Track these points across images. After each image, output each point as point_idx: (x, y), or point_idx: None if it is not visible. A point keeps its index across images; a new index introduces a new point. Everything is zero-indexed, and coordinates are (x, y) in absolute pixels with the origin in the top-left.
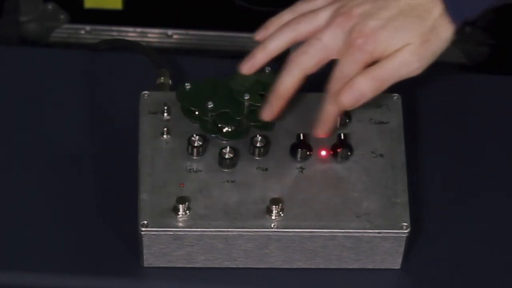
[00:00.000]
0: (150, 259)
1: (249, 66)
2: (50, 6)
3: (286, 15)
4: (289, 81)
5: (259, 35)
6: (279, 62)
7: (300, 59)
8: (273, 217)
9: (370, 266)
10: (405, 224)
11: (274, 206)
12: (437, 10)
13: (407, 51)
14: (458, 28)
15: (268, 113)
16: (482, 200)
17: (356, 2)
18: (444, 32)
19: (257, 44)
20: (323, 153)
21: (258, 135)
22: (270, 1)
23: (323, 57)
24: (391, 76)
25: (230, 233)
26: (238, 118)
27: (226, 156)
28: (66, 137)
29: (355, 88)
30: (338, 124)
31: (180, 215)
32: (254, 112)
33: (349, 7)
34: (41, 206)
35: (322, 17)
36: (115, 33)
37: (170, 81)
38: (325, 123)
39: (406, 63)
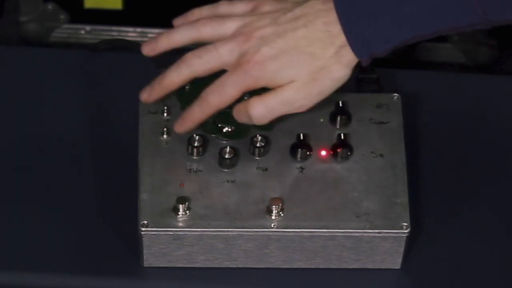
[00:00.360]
0: (150, 259)
1: (150, 49)
2: (50, 6)
3: (205, 11)
4: (175, 76)
5: (177, 20)
6: None
7: (192, 61)
8: (273, 217)
9: (370, 266)
10: (405, 224)
11: (274, 206)
12: (333, 48)
13: (292, 88)
14: (366, 64)
15: (146, 94)
16: (482, 200)
17: (261, 24)
18: (336, 72)
19: None
20: (323, 153)
21: (258, 135)
22: None
23: (215, 66)
24: (279, 108)
25: (230, 233)
26: None
27: (226, 156)
28: (66, 137)
29: (248, 108)
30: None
31: (180, 215)
32: None
33: (252, 28)
34: (41, 206)
35: (229, 27)
36: (115, 33)
37: None
38: (186, 121)
39: (290, 100)
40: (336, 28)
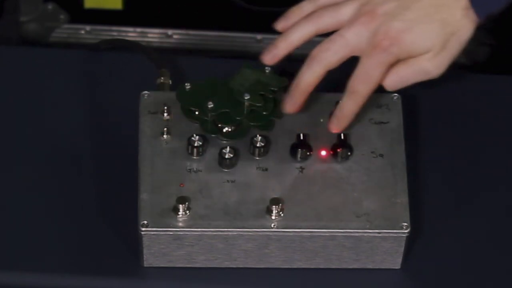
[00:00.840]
0: (150, 259)
1: (271, 57)
2: (50, 6)
3: (306, 6)
4: (310, 76)
5: (279, 24)
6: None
7: (322, 56)
8: (273, 217)
9: (370, 266)
10: (405, 224)
11: (274, 206)
12: (460, 10)
13: (427, 59)
14: (482, 23)
15: (290, 105)
16: (482, 200)
17: (380, 0)
18: (464, 34)
19: (260, 42)
20: (323, 153)
21: (258, 135)
22: (270, 1)
23: (346, 54)
24: (411, 78)
25: (230, 233)
26: (238, 118)
27: (226, 156)
28: (66, 137)
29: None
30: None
31: (180, 215)
32: (254, 112)
33: (373, 5)
34: (42, 206)
35: (346, 12)
36: (115, 33)
37: (170, 81)
38: (342, 119)
39: (425, 71)
40: None
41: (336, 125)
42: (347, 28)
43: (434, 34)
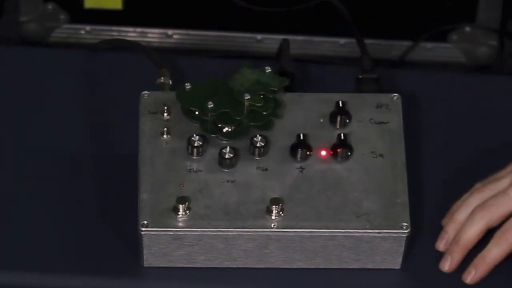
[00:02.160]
0: (150, 259)
1: (448, 266)
2: (50, 6)
3: (472, 199)
4: (472, 232)
5: (448, 225)
6: (279, 62)
7: (485, 212)
8: (273, 217)
9: (370, 266)
10: (405, 224)
11: (274, 206)
12: None
13: None
14: None
15: (447, 264)
16: None
17: None
18: None
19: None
20: (323, 153)
21: (258, 135)
22: (270, 1)
23: (509, 210)
24: None
25: (230, 233)
26: (238, 118)
27: (226, 156)
28: (66, 137)
29: None
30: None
31: (180, 215)
32: (254, 112)
33: None
34: (41, 206)
35: (505, 183)
36: (115, 33)
37: (170, 81)
38: (482, 267)
39: None
40: None
41: (473, 275)
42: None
43: None
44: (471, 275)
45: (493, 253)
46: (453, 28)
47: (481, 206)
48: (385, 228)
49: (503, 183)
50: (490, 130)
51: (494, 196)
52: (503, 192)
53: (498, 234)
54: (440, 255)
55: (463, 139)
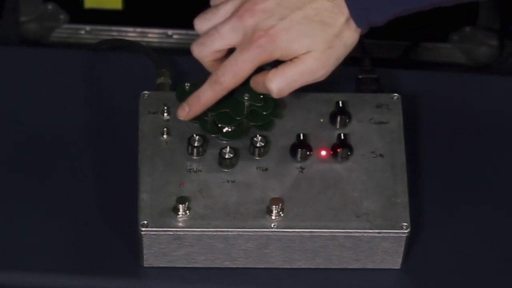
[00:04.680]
0: (150, 259)
1: (184, 115)
2: (50, 6)
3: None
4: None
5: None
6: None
7: (196, 49)
8: (273, 217)
9: (370, 266)
10: (405, 224)
11: (274, 206)
12: (342, 17)
13: (310, 57)
14: (364, 33)
15: (183, 113)
16: (482, 200)
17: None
18: (348, 38)
19: None
20: (323, 153)
21: (258, 135)
22: None
23: (220, 48)
24: (298, 79)
25: (230, 233)
26: (238, 118)
27: (226, 156)
28: (66, 137)
29: (267, 82)
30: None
31: (180, 215)
32: (254, 112)
33: (252, 3)
34: (41, 206)
35: (224, 12)
36: (115, 33)
37: (170, 81)
38: (194, 105)
39: (309, 70)
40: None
41: (184, 111)
42: (223, 22)
43: (315, 34)
44: (185, 112)
45: (207, 95)
46: (454, 28)
47: (194, 43)
48: (385, 228)
49: (221, 14)
50: (490, 130)
51: (207, 34)
52: (216, 30)
53: (212, 76)
54: (440, 256)
55: (463, 139)
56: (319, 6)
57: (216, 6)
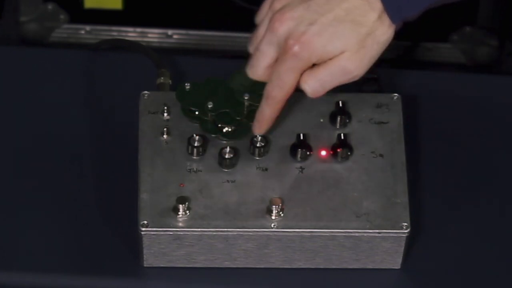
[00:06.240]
0: (150, 259)
1: (260, 126)
2: (50, 6)
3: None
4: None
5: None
6: None
7: (251, 72)
8: (273, 217)
9: (370, 266)
10: (405, 224)
11: (274, 206)
12: (374, 13)
13: (343, 59)
14: (398, 29)
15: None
16: (482, 200)
17: (289, 8)
18: (381, 35)
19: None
20: (323, 153)
21: (258, 135)
22: None
23: (266, 64)
24: (331, 80)
25: (230, 233)
26: (238, 118)
27: (226, 156)
28: (66, 137)
29: (302, 84)
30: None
31: (180, 215)
32: (254, 112)
33: (281, 12)
34: (41, 206)
35: (261, 32)
36: (115, 33)
37: (170, 81)
38: (262, 122)
39: (343, 72)
40: None
41: (258, 129)
42: (262, 39)
43: (346, 34)
44: (258, 129)
45: (267, 112)
46: (454, 28)
47: (247, 65)
48: (385, 228)
49: (259, 35)
50: (490, 130)
51: (252, 56)
52: (256, 48)
53: (265, 93)
54: (440, 256)
55: (463, 139)
56: (350, 6)
57: (258, 24)
